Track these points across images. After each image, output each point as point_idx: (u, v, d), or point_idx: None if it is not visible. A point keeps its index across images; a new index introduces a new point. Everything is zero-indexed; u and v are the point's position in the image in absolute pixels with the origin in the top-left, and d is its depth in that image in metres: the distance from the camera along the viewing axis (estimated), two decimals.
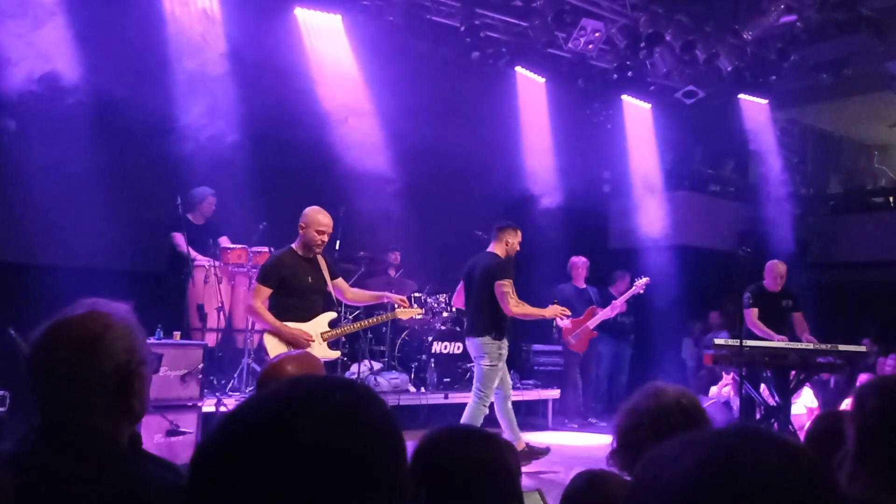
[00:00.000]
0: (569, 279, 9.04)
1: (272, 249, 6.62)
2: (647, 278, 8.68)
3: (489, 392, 6.11)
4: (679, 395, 2.16)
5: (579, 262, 9.05)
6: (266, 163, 7.88)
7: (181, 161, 7.23)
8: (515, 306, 6.08)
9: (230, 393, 6.33)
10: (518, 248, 6.37)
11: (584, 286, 9.00)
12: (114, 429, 1.45)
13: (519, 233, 6.37)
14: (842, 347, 6.70)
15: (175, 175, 7.35)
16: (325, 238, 5.30)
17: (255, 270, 6.77)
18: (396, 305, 5.83)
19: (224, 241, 7.34)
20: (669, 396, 2.15)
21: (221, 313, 6.88)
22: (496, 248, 6.27)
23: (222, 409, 5.83)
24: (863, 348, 7.08)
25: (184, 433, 5.51)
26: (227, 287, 7.01)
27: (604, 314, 8.70)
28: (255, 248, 6.99)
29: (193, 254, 7.02)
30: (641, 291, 8.70)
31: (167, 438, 5.47)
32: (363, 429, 0.85)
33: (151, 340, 5.66)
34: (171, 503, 1.31)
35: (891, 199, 13.15)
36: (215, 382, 6.54)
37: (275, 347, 5.08)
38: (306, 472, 0.80)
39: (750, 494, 0.76)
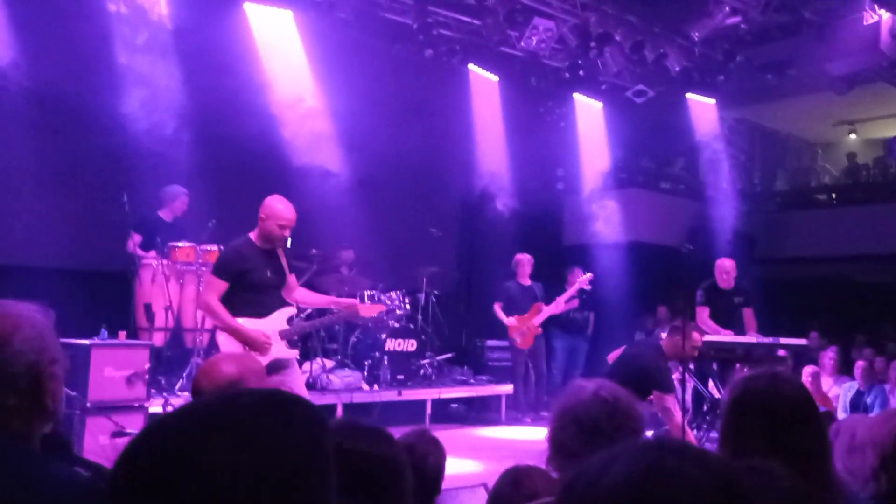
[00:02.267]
0: (514, 276, 9.09)
1: (222, 248, 6.55)
2: (590, 274, 8.84)
3: None
4: (597, 388, 2.22)
5: (524, 259, 9.11)
6: (215, 159, 7.77)
7: (126, 157, 7.11)
8: None
9: (178, 393, 6.24)
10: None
11: (529, 283, 9.06)
12: (26, 429, 1.44)
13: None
14: (784, 341, 6.89)
15: (120, 171, 7.21)
16: (287, 233, 4.83)
17: (204, 269, 6.70)
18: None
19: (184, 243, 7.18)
20: (587, 391, 2.21)
21: (169, 312, 6.77)
22: None
23: (169, 409, 5.74)
24: (804, 342, 7.28)
25: (130, 435, 5.41)
26: (175, 286, 6.90)
27: (549, 311, 8.81)
28: (204, 247, 6.89)
29: (142, 253, 6.93)
30: (586, 287, 8.84)
31: (112, 440, 5.37)
32: (279, 448, 0.84)
33: (96, 341, 5.56)
34: None
35: (833, 196, 13.51)
36: (163, 383, 6.44)
37: (228, 348, 4.68)
38: (220, 495, 0.80)
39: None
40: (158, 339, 6.73)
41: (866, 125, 14.92)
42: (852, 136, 15.37)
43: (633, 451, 0.84)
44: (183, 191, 7.39)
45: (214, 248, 6.73)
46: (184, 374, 6.48)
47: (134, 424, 5.48)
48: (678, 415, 5.20)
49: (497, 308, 8.87)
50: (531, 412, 8.87)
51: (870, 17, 8.42)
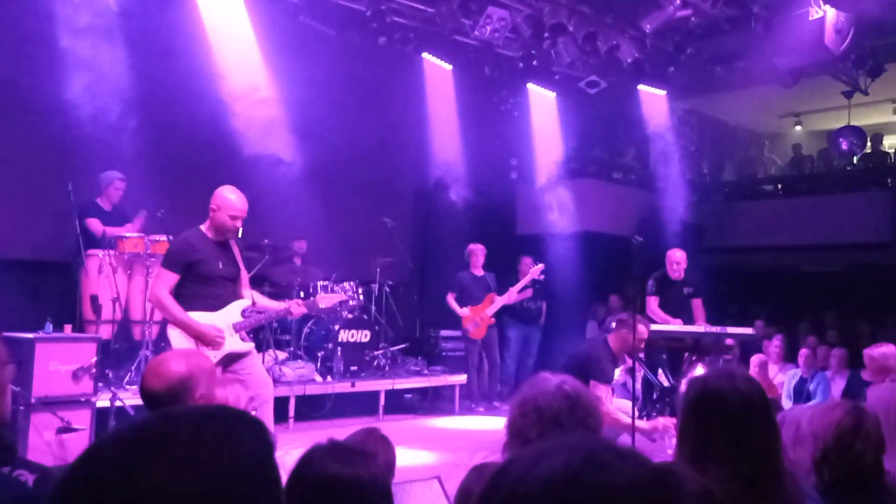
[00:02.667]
0: (467, 266, 9.11)
1: (170, 238, 6.43)
2: (542, 265, 8.94)
3: None
4: (561, 382, 2.28)
5: (477, 249, 9.14)
6: (163, 147, 7.60)
7: (70, 143, 6.92)
8: None
9: (127, 387, 6.12)
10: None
11: (482, 273, 9.10)
12: None
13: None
14: (731, 330, 7.04)
15: (63, 158, 7.03)
16: (239, 224, 4.76)
17: (153, 259, 6.58)
18: (312, 302, 5.55)
19: (130, 230, 7.03)
20: (551, 383, 2.27)
21: (117, 304, 6.63)
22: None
23: (118, 403, 5.64)
24: (750, 331, 7.44)
25: (76, 430, 5.31)
26: (122, 277, 6.77)
27: (501, 301, 8.89)
28: (152, 237, 6.76)
29: (111, 230, 6.79)
30: (538, 277, 8.93)
31: (58, 436, 5.26)
32: (220, 470, 0.82)
33: (40, 334, 5.42)
34: None
35: (779, 187, 13.81)
36: (111, 377, 6.31)
37: (179, 342, 4.59)
38: None
39: (605, 497, 0.79)
40: (106, 331, 6.59)
41: (811, 117, 15.30)
42: (798, 128, 15.74)
43: (566, 444, 0.85)
44: (117, 175, 7.20)
45: (164, 238, 6.59)
46: (132, 368, 6.36)
47: (81, 420, 5.38)
48: (607, 405, 5.32)
49: (450, 299, 8.89)
50: (484, 402, 8.93)
51: (815, 13, 8.60)
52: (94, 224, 6.87)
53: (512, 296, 8.95)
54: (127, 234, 6.80)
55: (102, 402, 5.65)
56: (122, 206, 7.28)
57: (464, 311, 8.79)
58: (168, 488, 0.78)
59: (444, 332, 9.69)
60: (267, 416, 4.66)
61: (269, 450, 0.87)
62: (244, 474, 0.83)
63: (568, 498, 0.78)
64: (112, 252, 6.71)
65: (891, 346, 5.97)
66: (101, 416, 5.59)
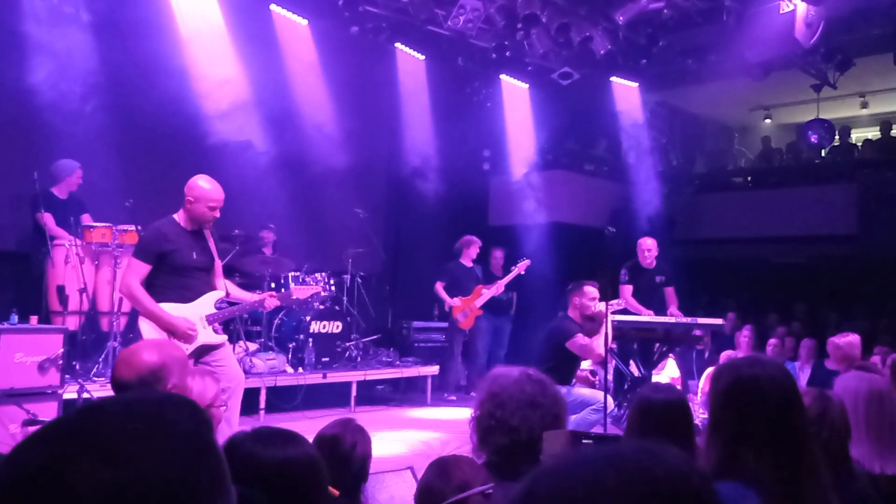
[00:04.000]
0: (457, 256, 9.12)
1: (139, 228, 6.33)
2: (528, 260, 8.99)
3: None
4: (523, 370, 2.36)
5: (473, 240, 9.18)
6: (130, 135, 7.48)
7: (33, 130, 6.78)
8: None
9: (94, 379, 6.02)
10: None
11: (472, 265, 9.15)
12: None
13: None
14: (702, 321, 7.09)
15: (29, 148, 6.88)
16: (217, 214, 4.67)
17: (121, 250, 6.47)
18: (289, 293, 5.52)
19: (86, 219, 6.91)
20: (514, 373, 2.34)
21: (84, 295, 6.52)
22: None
23: (85, 395, 5.55)
24: (720, 321, 7.51)
25: (43, 423, 5.21)
26: (90, 267, 6.64)
27: (490, 293, 8.95)
28: (120, 227, 6.64)
29: (59, 231, 6.64)
30: (522, 272, 9.01)
31: (24, 429, 5.16)
32: (152, 461, 0.78)
33: (5, 325, 5.32)
34: None
35: (749, 179, 13.95)
36: (78, 368, 6.21)
37: (150, 335, 4.49)
38: None
39: None
40: (72, 322, 6.47)
41: (781, 111, 15.46)
42: (767, 121, 15.91)
43: (604, 453, 0.82)
44: (77, 164, 7.03)
45: (132, 228, 6.49)
46: (100, 359, 6.26)
47: (47, 412, 5.28)
48: (594, 345, 5.64)
49: (439, 287, 8.93)
50: (459, 392, 8.94)
51: (785, 7, 8.68)
52: (49, 221, 6.68)
53: (500, 288, 9.06)
54: (94, 224, 6.67)
55: (69, 394, 5.56)
56: (79, 195, 7.12)
57: (454, 302, 8.85)
58: (98, 481, 0.75)
59: (416, 324, 9.68)
60: (234, 409, 4.62)
61: (204, 429, 0.84)
62: (178, 458, 0.79)
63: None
64: (79, 242, 6.60)
65: (855, 336, 6.07)
66: (68, 408, 5.49)
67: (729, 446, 1.84)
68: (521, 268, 9.02)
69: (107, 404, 0.85)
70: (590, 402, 5.64)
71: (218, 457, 0.84)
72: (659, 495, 0.76)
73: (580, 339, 5.77)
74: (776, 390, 1.89)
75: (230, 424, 4.28)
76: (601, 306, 5.77)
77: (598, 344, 5.59)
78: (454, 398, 8.76)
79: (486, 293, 8.99)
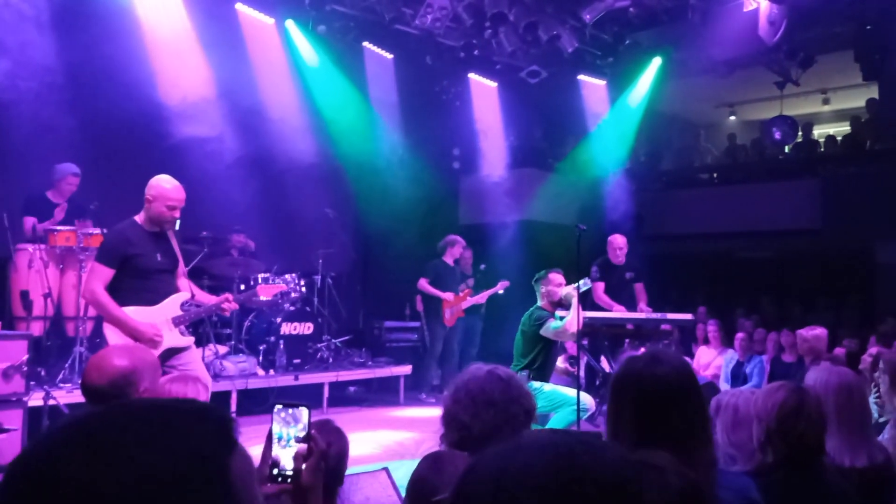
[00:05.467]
0: (440, 255, 9.11)
1: (104, 231, 6.22)
2: (507, 282, 9.21)
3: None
4: (492, 368, 2.40)
5: (458, 240, 9.20)
6: (92, 136, 7.31)
7: None
8: None
9: (61, 385, 5.91)
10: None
11: (454, 264, 9.16)
12: None
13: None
14: (671, 316, 7.16)
15: None
16: (177, 214, 4.62)
17: (86, 254, 6.35)
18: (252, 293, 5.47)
19: (86, 226, 6.72)
20: (482, 370, 2.38)
21: (49, 300, 6.39)
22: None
23: (51, 402, 5.44)
24: (690, 316, 7.59)
25: (8, 431, 5.11)
26: (54, 272, 6.52)
27: (474, 300, 9.14)
28: (85, 230, 6.51)
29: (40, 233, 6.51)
30: (500, 292, 9.14)
31: None
32: (143, 469, 0.76)
33: None
34: None
35: (715, 175, 14.11)
36: (44, 375, 6.09)
37: (115, 338, 4.44)
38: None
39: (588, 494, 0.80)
40: (37, 328, 6.35)
41: (745, 107, 15.69)
42: (732, 117, 16.13)
43: (544, 440, 0.86)
44: (72, 169, 6.90)
45: (97, 231, 6.38)
46: (66, 365, 6.14)
47: (12, 420, 5.16)
48: (567, 325, 5.70)
49: (425, 283, 8.95)
50: (434, 392, 8.90)
51: (749, 5, 8.80)
52: (26, 224, 6.56)
53: (483, 298, 9.24)
54: (58, 228, 6.54)
55: (35, 401, 5.44)
56: (79, 200, 6.96)
57: (448, 295, 8.87)
58: (90, 490, 0.74)
59: (388, 323, 9.65)
60: None
61: (222, 448, 0.82)
62: (180, 474, 0.77)
63: (549, 486, 0.80)
64: (42, 246, 6.47)
65: (822, 329, 6.17)
66: (33, 415, 5.38)
67: (636, 446, 1.84)
68: (499, 287, 9.23)
69: (119, 409, 0.84)
70: (571, 401, 5.68)
71: (227, 480, 0.81)
72: (581, 481, 0.80)
73: (551, 322, 5.83)
74: (655, 388, 1.90)
75: None
76: (568, 288, 5.86)
77: (571, 322, 5.66)
78: (433, 400, 8.73)
79: (471, 299, 9.13)
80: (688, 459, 1.78)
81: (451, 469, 2.09)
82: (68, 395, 5.51)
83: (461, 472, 0.88)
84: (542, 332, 5.83)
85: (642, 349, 6.69)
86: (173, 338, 4.62)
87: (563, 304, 5.98)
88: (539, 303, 6.11)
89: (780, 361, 7.66)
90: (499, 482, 0.82)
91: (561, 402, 5.66)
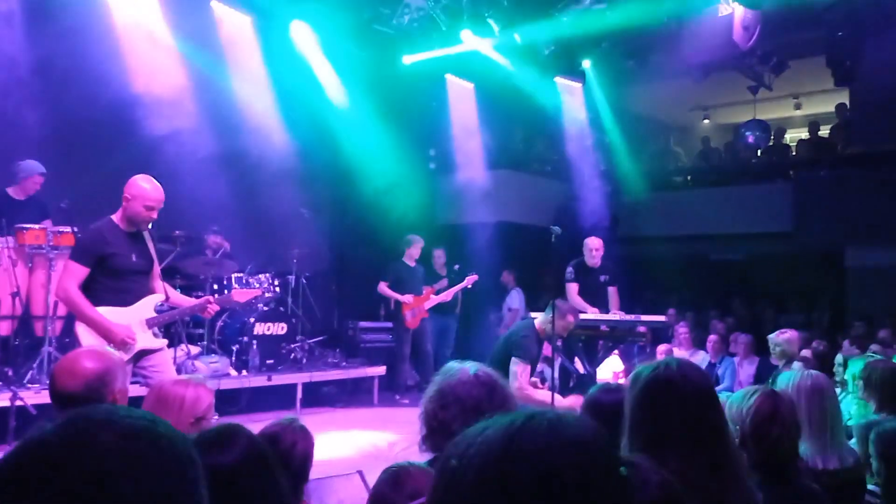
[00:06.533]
0: (399, 257, 9.04)
1: (75, 229, 6.13)
2: (476, 275, 9.10)
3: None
4: (475, 371, 2.35)
5: (417, 239, 9.09)
6: (63, 134, 7.20)
7: None
8: None
9: (28, 385, 5.81)
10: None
11: (415, 265, 9.08)
12: None
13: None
14: (644, 318, 7.21)
15: None
16: (154, 215, 4.55)
17: (56, 252, 6.25)
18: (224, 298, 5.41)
19: (47, 224, 6.60)
20: (466, 373, 2.34)
21: (17, 299, 6.28)
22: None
23: (18, 403, 5.34)
24: (663, 318, 7.65)
25: None
26: (23, 270, 6.41)
27: (439, 299, 9.04)
28: (55, 229, 6.41)
29: None
30: (469, 287, 9.08)
31: None
32: (163, 438, 0.88)
33: None
34: None
35: (689, 178, 14.24)
36: (11, 375, 5.99)
37: (88, 340, 4.34)
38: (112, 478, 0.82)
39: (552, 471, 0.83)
40: (5, 328, 6.25)
41: (718, 111, 15.85)
42: (706, 121, 16.28)
43: (517, 412, 0.91)
44: (39, 169, 6.78)
45: (67, 230, 6.28)
46: (34, 365, 6.03)
47: None
48: (521, 380, 5.51)
49: (384, 286, 8.83)
50: (409, 393, 8.88)
51: (724, 10, 8.88)
52: None
53: (449, 296, 9.12)
54: (28, 226, 6.43)
55: (2, 401, 5.35)
56: (39, 198, 6.86)
57: (406, 298, 8.77)
58: (126, 450, 0.83)
59: (362, 324, 9.61)
60: None
61: (180, 484, 0.87)
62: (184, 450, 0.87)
63: (509, 453, 0.84)
64: (11, 244, 6.35)
65: (794, 332, 6.23)
66: (0, 416, 5.29)
67: (648, 448, 1.83)
68: (468, 282, 9.09)
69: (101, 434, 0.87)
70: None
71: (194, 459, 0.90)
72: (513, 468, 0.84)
73: (518, 367, 5.59)
74: (691, 390, 1.90)
75: None
76: (543, 393, 5.68)
77: (525, 387, 5.54)
78: (406, 401, 8.70)
79: (435, 298, 9.00)
80: (721, 465, 1.78)
81: (411, 484, 2.08)
82: (36, 396, 5.42)
83: (444, 454, 0.93)
84: (512, 362, 5.61)
85: (614, 352, 6.69)
86: (146, 339, 4.56)
87: (550, 338, 5.78)
88: (535, 324, 5.86)
89: (768, 364, 7.67)
90: (461, 463, 0.87)
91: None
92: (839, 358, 5.27)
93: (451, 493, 0.87)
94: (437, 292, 9.26)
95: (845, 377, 4.18)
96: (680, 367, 1.94)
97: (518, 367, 5.56)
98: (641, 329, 7.63)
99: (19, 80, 6.64)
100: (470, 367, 2.39)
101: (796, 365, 5.34)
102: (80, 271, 4.42)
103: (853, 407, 3.91)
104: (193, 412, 2.49)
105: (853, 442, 3.13)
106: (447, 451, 0.91)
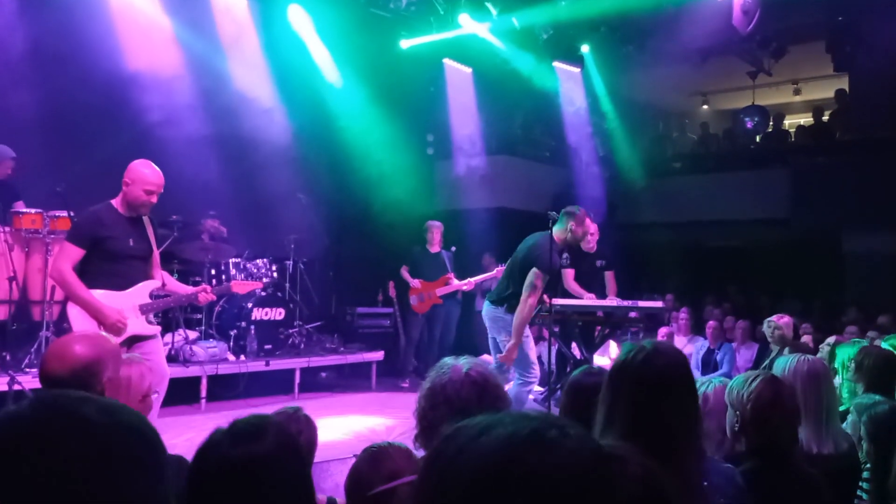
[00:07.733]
0: (423, 242, 9.06)
1: (71, 214, 6.12)
2: (503, 266, 9.00)
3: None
4: (467, 370, 2.32)
5: (434, 225, 9.12)
6: (60, 117, 7.17)
7: None
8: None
9: (26, 370, 5.82)
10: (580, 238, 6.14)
11: (438, 250, 9.08)
12: None
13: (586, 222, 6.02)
14: (641, 304, 7.20)
15: None
16: (154, 199, 4.54)
17: (52, 237, 6.25)
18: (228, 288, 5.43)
19: (19, 206, 6.63)
20: (459, 372, 2.31)
21: (14, 283, 6.27)
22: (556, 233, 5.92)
23: (16, 387, 5.35)
24: (659, 304, 7.64)
25: None
26: (20, 255, 6.40)
27: (457, 286, 8.97)
28: (51, 213, 6.40)
29: None
30: (497, 275, 9.05)
31: None
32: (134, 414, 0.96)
33: None
34: None
35: (686, 164, 14.19)
36: (9, 359, 6.00)
37: (80, 323, 4.35)
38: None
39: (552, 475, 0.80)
40: (2, 312, 6.25)
41: (717, 97, 15.79)
42: (705, 106, 16.23)
43: (512, 418, 0.86)
44: (10, 154, 6.75)
45: (64, 214, 6.26)
46: (32, 350, 6.04)
47: None
48: (532, 299, 5.71)
49: (403, 271, 8.97)
50: (410, 377, 8.88)
51: None
52: None
53: (471, 285, 9.05)
54: (24, 210, 6.42)
55: None
56: (11, 182, 6.84)
57: (414, 283, 8.84)
58: (108, 420, 0.90)
59: (360, 309, 9.61)
60: (156, 406, 4.50)
61: (88, 466, 0.88)
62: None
63: (508, 472, 0.79)
64: (8, 229, 6.34)
65: (788, 318, 6.24)
66: None
67: (605, 433, 1.83)
68: (497, 272, 9.02)
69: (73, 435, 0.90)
70: (526, 376, 5.84)
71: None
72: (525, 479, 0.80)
73: (536, 277, 5.75)
74: (653, 379, 1.88)
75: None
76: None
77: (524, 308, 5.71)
78: (406, 384, 8.71)
79: (454, 285, 8.96)
80: (678, 451, 1.77)
81: (389, 465, 2.10)
82: (33, 380, 5.42)
83: (433, 448, 0.89)
84: (532, 273, 5.75)
85: (612, 338, 6.73)
86: (138, 325, 4.54)
87: (570, 245, 5.92)
88: (554, 233, 5.92)
89: (767, 349, 7.69)
90: (457, 455, 0.84)
91: (520, 369, 5.87)
92: (825, 345, 5.25)
93: (439, 496, 0.84)
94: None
95: (835, 365, 4.18)
96: (649, 354, 1.91)
97: (536, 279, 5.72)
98: (638, 315, 7.63)
99: (13, 62, 6.60)
100: (464, 364, 2.37)
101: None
102: (75, 252, 4.41)
103: (844, 392, 3.92)
104: (140, 390, 2.59)
105: (847, 423, 3.15)
106: (437, 448, 0.88)
